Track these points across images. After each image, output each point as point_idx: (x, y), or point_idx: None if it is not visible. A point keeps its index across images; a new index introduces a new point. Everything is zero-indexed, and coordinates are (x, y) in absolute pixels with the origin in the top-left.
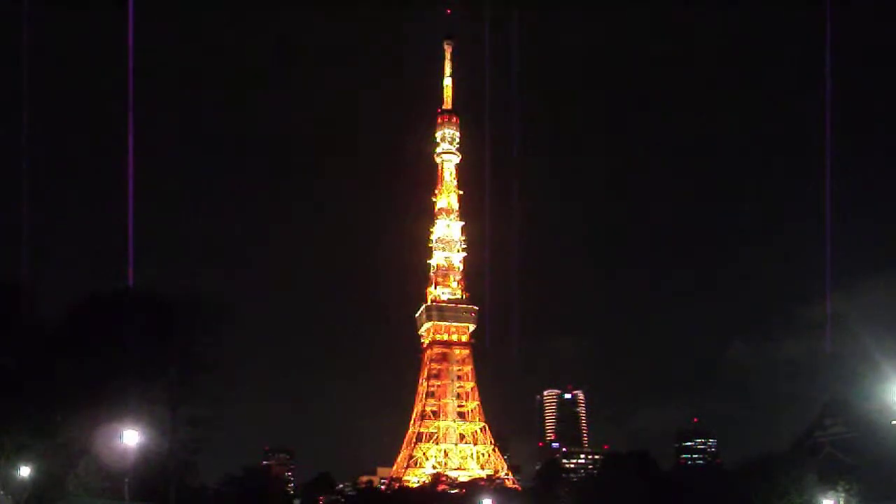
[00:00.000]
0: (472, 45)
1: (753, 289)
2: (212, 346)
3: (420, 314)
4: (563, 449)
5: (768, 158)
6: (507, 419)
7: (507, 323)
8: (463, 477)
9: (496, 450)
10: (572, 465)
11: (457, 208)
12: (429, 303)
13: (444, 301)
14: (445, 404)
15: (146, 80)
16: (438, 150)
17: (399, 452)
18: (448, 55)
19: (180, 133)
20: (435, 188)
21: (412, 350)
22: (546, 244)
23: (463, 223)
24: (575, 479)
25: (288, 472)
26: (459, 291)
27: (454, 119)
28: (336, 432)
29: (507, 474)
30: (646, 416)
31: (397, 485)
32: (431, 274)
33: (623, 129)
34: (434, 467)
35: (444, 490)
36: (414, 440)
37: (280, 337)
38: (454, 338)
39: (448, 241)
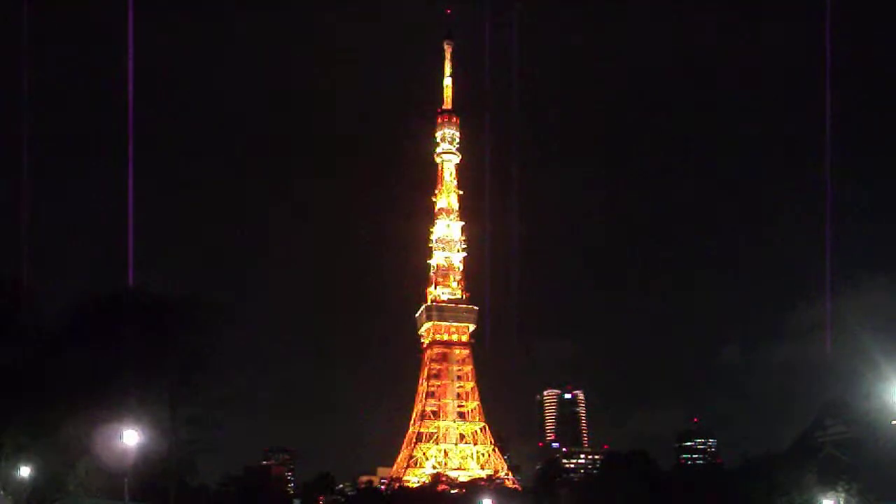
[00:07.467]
0: (472, 45)
1: (753, 289)
2: (211, 346)
3: (420, 314)
4: (563, 449)
5: (768, 158)
6: (507, 419)
7: (507, 323)
8: (463, 477)
9: (496, 450)
10: (572, 465)
11: (457, 208)
12: (429, 303)
13: (444, 301)
14: (445, 404)
15: (147, 79)
16: (438, 150)
17: (399, 452)
18: (448, 55)
19: (180, 133)
20: (435, 188)
21: (412, 350)
22: (546, 244)
23: (463, 223)
24: (575, 479)
25: (288, 472)
26: (459, 291)
27: (454, 119)
28: (336, 432)
29: (507, 474)
30: (646, 416)
31: (397, 485)
32: (431, 274)
33: (623, 129)
34: (434, 467)
35: (444, 490)
36: (414, 440)
37: (280, 336)
38: (454, 338)
39: (448, 241)
